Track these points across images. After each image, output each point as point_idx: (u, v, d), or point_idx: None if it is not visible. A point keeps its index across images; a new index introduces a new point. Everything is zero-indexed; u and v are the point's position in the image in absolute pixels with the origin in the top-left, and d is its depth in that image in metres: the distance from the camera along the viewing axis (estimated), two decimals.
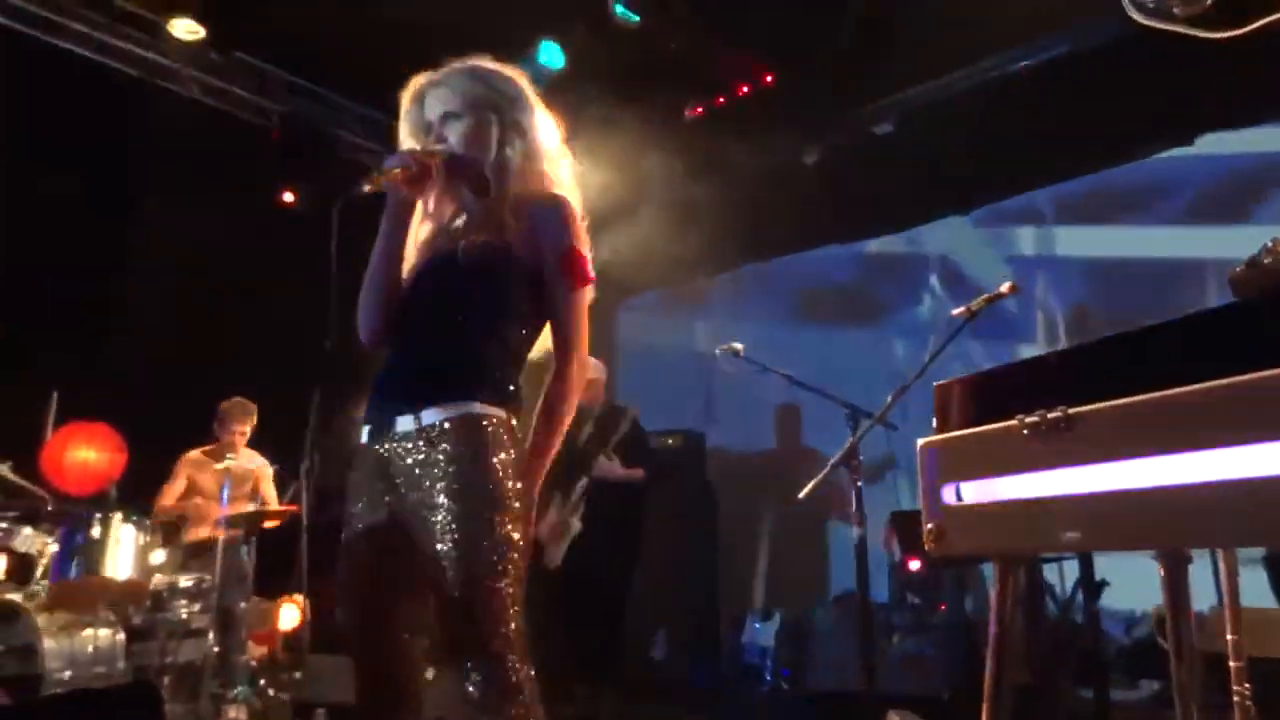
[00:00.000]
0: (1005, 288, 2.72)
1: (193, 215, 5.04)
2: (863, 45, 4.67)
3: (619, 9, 4.63)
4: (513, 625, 1.51)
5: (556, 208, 1.76)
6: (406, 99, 1.83)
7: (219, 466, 4.56)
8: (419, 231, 1.83)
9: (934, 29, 4.52)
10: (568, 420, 1.72)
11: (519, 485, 1.60)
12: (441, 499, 1.53)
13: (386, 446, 1.63)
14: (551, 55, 4.81)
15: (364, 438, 1.69)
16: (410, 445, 1.59)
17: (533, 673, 1.53)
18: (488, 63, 1.83)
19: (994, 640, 1.45)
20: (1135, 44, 4.34)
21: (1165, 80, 4.34)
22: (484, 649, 1.49)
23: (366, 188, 1.68)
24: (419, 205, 1.81)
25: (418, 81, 1.82)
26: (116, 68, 5.04)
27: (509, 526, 1.55)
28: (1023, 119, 4.84)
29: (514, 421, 1.66)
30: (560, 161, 1.86)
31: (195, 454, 4.73)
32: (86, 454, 5.12)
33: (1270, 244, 1.01)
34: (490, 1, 4.30)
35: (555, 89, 4.37)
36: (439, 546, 1.51)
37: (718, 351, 3.41)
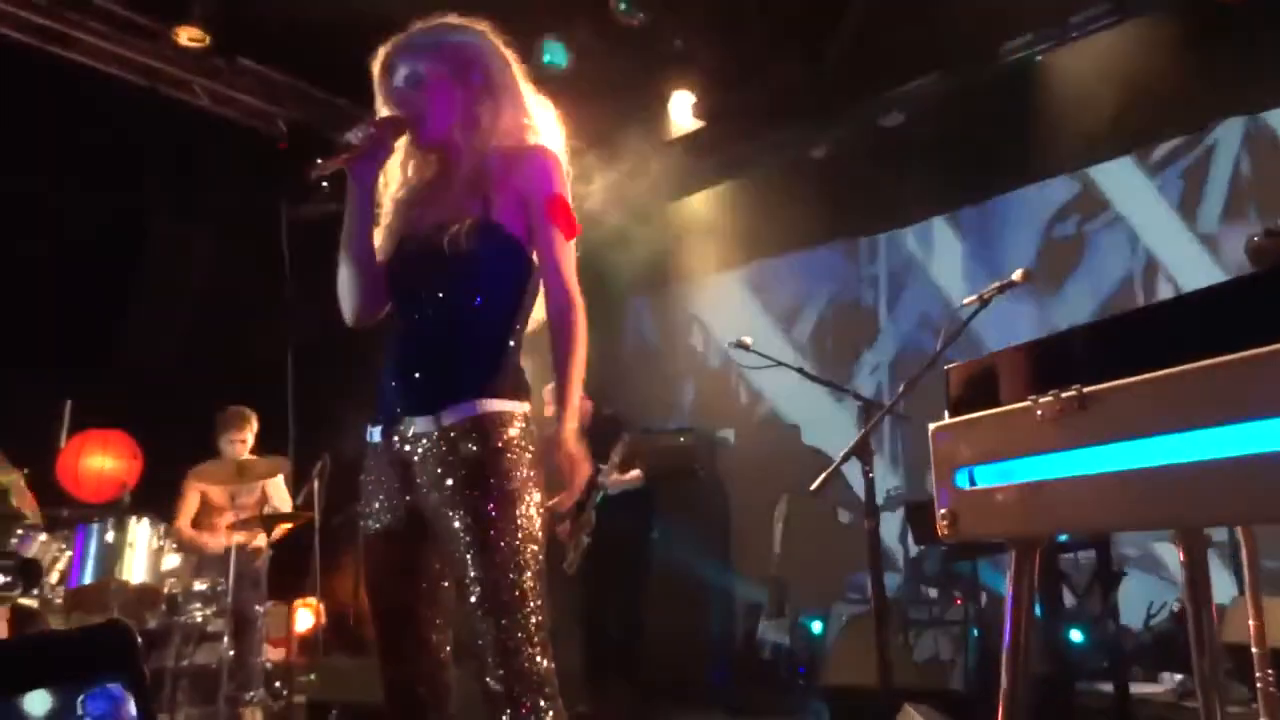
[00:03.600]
0: (1018, 275, 2.69)
1: (206, 219, 5.07)
2: (869, 36, 4.65)
3: (622, 6, 4.61)
4: (534, 619, 1.52)
5: (536, 156, 1.72)
6: (377, 69, 1.78)
7: (226, 476, 4.53)
8: (397, 194, 1.79)
9: (941, 19, 4.49)
10: (582, 370, 1.67)
11: (539, 477, 1.60)
12: (462, 497, 1.54)
13: (404, 446, 1.62)
14: (555, 54, 4.80)
15: (376, 436, 1.67)
16: (429, 444, 1.59)
17: (553, 666, 1.53)
18: (452, 19, 1.78)
19: (1010, 631, 1.42)
20: (1145, 31, 4.34)
21: (1175, 71, 4.31)
22: (506, 643, 1.49)
23: (318, 172, 1.62)
24: (399, 171, 1.78)
25: (384, 49, 1.77)
26: (124, 77, 5.06)
27: (530, 521, 1.56)
28: (1040, 108, 4.83)
29: (528, 409, 1.66)
30: (536, 113, 1.80)
31: (200, 467, 4.69)
32: (102, 461, 5.15)
33: None
34: (499, 7, 4.27)
35: (559, 87, 4.38)
36: (462, 543, 1.52)
37: (727, 345, 3.40)
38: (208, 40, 4.98)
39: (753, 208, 6.05)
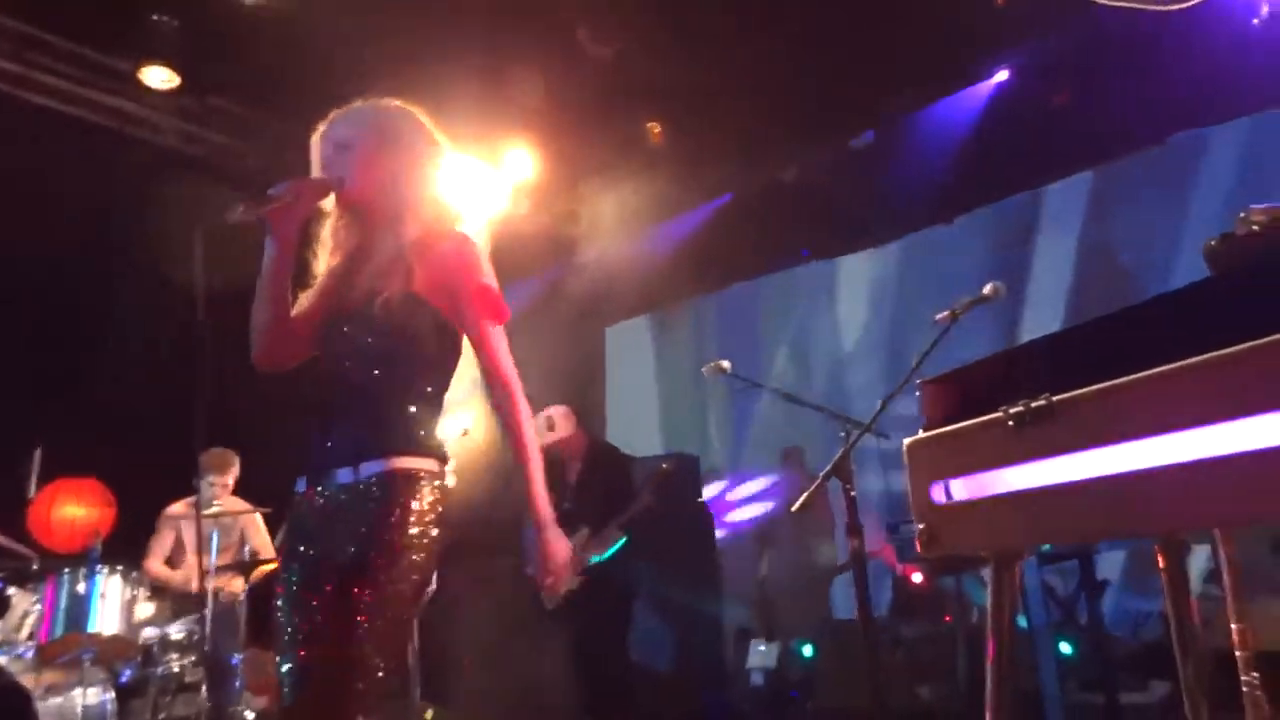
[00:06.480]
0: (988, 290, 2.71)
1: (175, 262, 5.00)
2: (842, 57, 4.72)
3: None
4: (360, 685, 1.54)
5: (455, 245, 1.80)
6: (315, 138, 1.88)
7: (204, 517, 4.43)
8: (330, 259, 1.89)
9: (912, 41, 4.57)
10: (537, 452, 1.76)
11: (434, 535, 1.66)
12: (355, 545, 1.60)
13: (322, 498, 1.70)
14: None
15: (301, 486, 1.75)
16: (346, 497, 1.67)
17: None
18: (388, 100, 1.90)
19: (993, 644, 1.41)
20: (1109, 45, 4.43)
21: (1143, 82, 4.39)
22: (323, 693, 1.54)
23: (235, 218, 1.70)
24: (328, 235, 1.87)
25: (323, 123, 1.89)
26: (92, 120, 5.02)
27: (407, 581, 1.61)
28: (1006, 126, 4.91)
29: (445, 467, 1.74)
30: (452, 195, 1.89)
31: (177, 507, 4.60)
32: (75, 510, 5.04)
33: (1243, 215, 1.00)
34: (470, 43, 4.31)
35: (532, 115, 4.40)
36: (337, 584, 1.58)
37: (704, 370, 3.39)
38: (178, 81, 4.96)
39: (726, 231, 6.09)
